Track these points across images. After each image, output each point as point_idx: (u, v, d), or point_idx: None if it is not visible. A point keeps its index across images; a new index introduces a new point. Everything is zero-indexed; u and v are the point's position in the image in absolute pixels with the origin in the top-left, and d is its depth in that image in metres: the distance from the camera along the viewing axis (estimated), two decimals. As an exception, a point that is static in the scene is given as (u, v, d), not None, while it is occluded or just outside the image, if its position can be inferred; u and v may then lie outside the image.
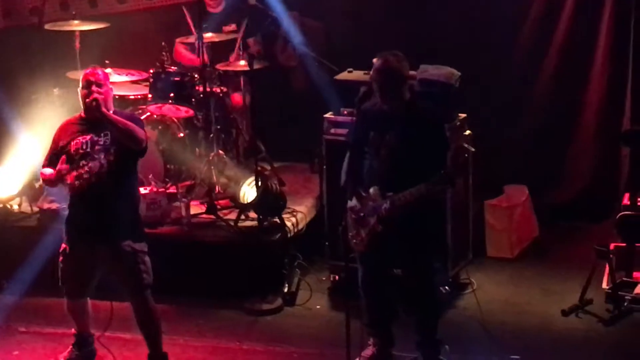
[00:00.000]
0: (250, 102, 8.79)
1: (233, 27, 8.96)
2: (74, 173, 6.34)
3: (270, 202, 7.83)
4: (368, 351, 6.62)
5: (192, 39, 8.58)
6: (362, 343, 6.51)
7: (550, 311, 7.39)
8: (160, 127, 8.40)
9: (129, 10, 9.57)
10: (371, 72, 6.42)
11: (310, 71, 8.85)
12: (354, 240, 6.46)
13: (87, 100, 6.32)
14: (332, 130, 7.68)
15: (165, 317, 6.76)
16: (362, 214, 6.41)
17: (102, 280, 6.55)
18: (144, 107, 8.44)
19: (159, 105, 8.39)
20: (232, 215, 8.03)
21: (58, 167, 6.31)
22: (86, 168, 6.32)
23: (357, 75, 7.70)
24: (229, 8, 9.08)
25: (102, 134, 6.37)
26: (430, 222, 6.43)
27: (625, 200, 7.76)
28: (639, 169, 7.95)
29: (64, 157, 6.33)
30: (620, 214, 7.57)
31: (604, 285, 7.50)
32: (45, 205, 8.07)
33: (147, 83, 8.55)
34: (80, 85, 6.42)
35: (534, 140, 8.95)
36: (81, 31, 8.70)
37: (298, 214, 8.10)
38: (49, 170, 6.40)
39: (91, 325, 6.70)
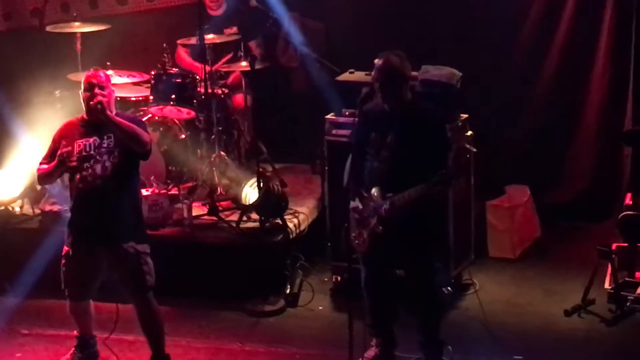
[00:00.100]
0: (252, 104, 8.79)
1: (234, 29, 8.96)
2: (78, 176, 6.34)
3: (272, 204, 7.83)
4: (371, 352, 6.61)
5: (193, 41, 8.58)
6: (364, 344, 6.50)
7: (552, 311, 7.40)
8: (161, 129, 8.40)
9: (130, 11, 9.58)
10: (373, 72, 6.43)
11: (312, 72, 8.86)
12: (356, 241, 6.47)
13: (91, 103, 6.30)
14: (334, 131, 7.68)
15: (168, 318, 6.76)
16: (363, 215, 6.41)
17: (106, 282, 6.55)
18: (146, 108, 8.44)
19: (161, 106, 8.39)
20: (234, 217, 8.03)
21: (60, 151, 6.27)
22: (90, 170, 6.33)
23: (358, 76, 7.70)
24: (229, 10, 9.09)
25: (105, 137, 6.37)
26: (430, 222, 6.43)
27: (627, 200, 7.76)
28: (640, 168, 7.97)
29: (64, 143, 6.33)
30: (622, 214, 7.56)
31: (606, 285, 7.50)
32: (47, 208, 8.08)
33: (149, 85, 8.55)
34: (82, 87, 6.41)
35: (535, 141, 8.95)
36: (82, 33, 8.71)
37: (300, 215, 8.11)
38: (46, 166, 6.40)
39: (94, 327, 6.71)
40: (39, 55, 9.03)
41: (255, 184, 7.86)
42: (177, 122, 8.44)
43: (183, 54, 9.03)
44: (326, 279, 7.92)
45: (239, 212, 8.02)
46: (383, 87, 6.34)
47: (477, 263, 7.98)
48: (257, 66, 8.22)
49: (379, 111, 6.42)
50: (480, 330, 7.10)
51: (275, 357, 6.94)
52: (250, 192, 8.00)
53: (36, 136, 8.08)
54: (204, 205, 8.20)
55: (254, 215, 7.93)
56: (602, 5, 8.58)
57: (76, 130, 6.44)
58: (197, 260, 7.74)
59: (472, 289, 7.67)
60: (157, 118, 8.41)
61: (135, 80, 8.61)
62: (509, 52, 8.90)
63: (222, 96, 8.61)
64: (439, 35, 8.87)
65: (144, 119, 7.77)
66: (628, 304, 7.27)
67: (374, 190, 6.36)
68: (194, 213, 8.03)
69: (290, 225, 7.91)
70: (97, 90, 6.31)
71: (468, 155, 7.58)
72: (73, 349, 6.71)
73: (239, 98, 8.82)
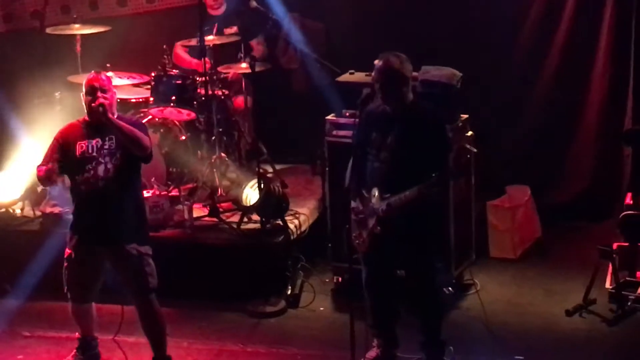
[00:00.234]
0: (252, 105, 8.80)
1: (234, 29, 8.97)
2: (80, 178, 6.34)
3: (272, 205, 7.83)
4: (372, 352, 6.62)
5: (193, 42, 8.58)
6: (366, 344, 6.51)
7: (553, 311, 7.40)
8: (162, 130, 8.40)
9: (130, 13, 9.58)
10: (373, 73, 6.43)
11: (312, 73, 8.87)
12: (357, 241, 6.49)
13: (93, 105, 6.30)
14: (334, 132, 7.67)
15: (169, 319, 6.75)
16: (363, 215, 6.42)
17: (110, 283, 6.55)
18: (146, 110, 8.44)
19: (161, 108, 8.39)
20: (235, 218, 8.03)
21: (48, 165, 6.27)
22: (92, 172, 6.33)
23: (359, 76, 7.70)
24: (230, 10, 9.09)
25: (107, 138, 6.37)
26: (430, 223, 6.43)
27: (628, 200, 7.76)
28: (641, 168, 7.97)
29: (57, 156, 6.32)
30: (623, 213, 7.56)
31: (607, 285, 7.50)
32: (48, 209, 8.07)
33: (149, 86, 8.55)
34: (84, 90, 6.40)
35: (535, 141, 8.95)
36: (82, 35, 8.71)
37: (300, 216, 8.10)
38: (42, 168, 6.38)
39: (96, 329, 6.70)
40: (39, 57, 9.04)
41: (256, 185, 7.86)
42: (177, 123, 8.45)
43: (180, 52, 9.02)
44: (327, 280, 7.92)
45: (240, 213, 8.02)
46: (383, 88, 6.34)
47: (478, 263, 7.99)
48: (258, 68, 8.23)
49: (380, 112, 6.42)
50: (482, 330, 7.10)
51: (277, 358, 6.94)
52: (250, 193, 8.01)
53: (36, 138, 8.07)
54: (204, 206, 8.20)
55: (255, 217, 7.94)
56: (602, 5, 8.58)
57: (78, 132, 6.43)
58: (198, 262, 7.74)
59: (473, 289, 7.67)
60: (157, 119, 8.41)
61: (136, 81, 8.61)
62: (509, 52, 8.91)
63: (223, 97, 8.61)
64: (439, 35, 8.87)
65: (144, 121, 7.78)
66: (629, 303, 7.27)
67: (373, 191, 6.37)
68: (195, 214, 8.03)
69: (291, 226, 7.91)
70: (99, 93, 6.30)
71: (468, 156, 7.59)
72: (75, 350, 6.71)
73: (239, 99, 8.83)
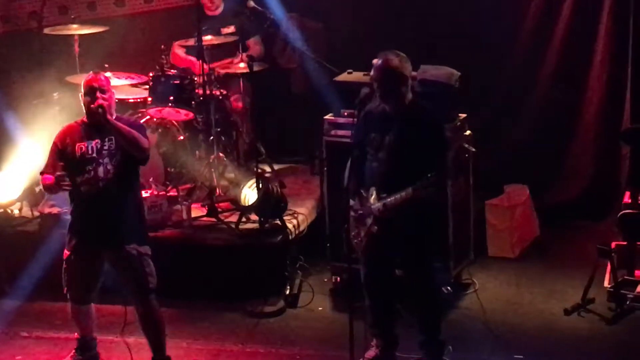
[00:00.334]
0: (250, 105, 8.79)
1: (232, 29, 8.97)
2: (80, 179, 6.33)
3: (271, 204, 7.83)
4: (371, 352, 6.61)
5: (190, 42, 8.58)
6: (365, 344, 6.51)
7: (552, 310, 7.40)
8: (160, 130, 8.40)
9: (128, 13, 9.58)
10: (372, 72, 6.42)
11: (310, 73, 8.86)
12: (355, 240, 6.49)
13: (93, 106, 6.28)
14: (333, 132, 7.67)
15: (168, 320, 6.75)
16: (360, 214, 6.42)
17: (110, 284, 6.54)
18: (144, 110, 8.44)
19: (159, 108, 8.39)
20: (233, 218, 8.03)
21: (57, 174, 6.28)
22: (92, 173, 6.32)
23: (357, 76, 7.69)
24: (227, 10, 9.09)
25: (106, 139, 6.35)
26: (428, 222, 6.42)
27: (626, 199, 7.76)
28: (639, 167, 7.96)
29: (61, 164, 6.31)
30: (622, 212, 7.57)
31: (606, 284, 7.50)
32: (46, 210, 8.07)
33: (147, 86, 8.54)
34: (83, 91, 6.38)
35: (533, 140, 8.95)
36: (80, 35, 8.70)
37: (299, 216, 8.10)
38: (50, 177, 6.38)
39: (95, 330, 6.70)
40: (37, 58, 9.02)
41: (254, 184, 7.86)
42: (175, 123, 8.44)
43: (178, 52, 9.02)
44: (326, 280, 7.92)
45: (238, 213, 8.02)
46: (381, 87, 6.34)
47: (476, 262, 7.98)
48: (256, 68, 8.22)
49: (378, 112, 6.42)
50: (480, 329, 7.10)
51: (276, 358, 6.94)
52: (249, 193, 8.00)
53: (35, 138, 8.07)
54: (203, 206, 8.20)
55: (253, 216, 7.93)
56: (599, 4, 8.58)
57: (77, 134, 6.41)
58: (196, 262, 7.74)
59: (472, 289, 7.68)
60: (155, 120, 8.41)
61: (134, 82, 8.59)
62: (507, 51, 8.91)
63: (221, 97, 8.60)
64: (438, 34, 8.87)
65: (142, 121, 7.78)
66: (628, 302, 7.27)
67: (371, 191, 6.37)
68: (193, 214, 8.03)
69: (290, 226, 7.91)
70: (98, 94, 6.29)
71: (467, 155, 7.59)
72: (73, 351, 6.70)
73: (237, 99, 8.82)
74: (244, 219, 7.95)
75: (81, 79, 6.57)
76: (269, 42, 9.28)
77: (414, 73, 6.86)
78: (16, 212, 8.30)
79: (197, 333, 7.27)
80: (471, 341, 6.88)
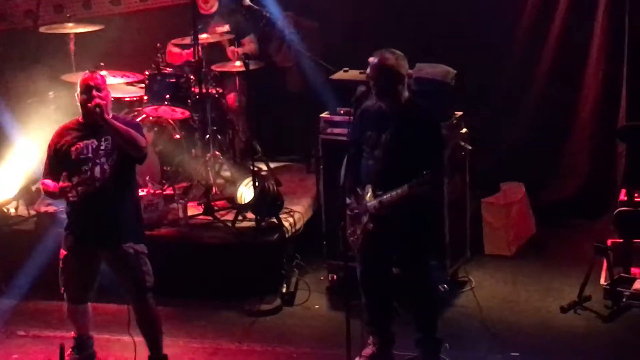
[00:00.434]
0: (246, 103, 8.79)
1: (227, 27, 8.96)
2: (76, 179, 6.30)
3: (267, 203, 7.83)
4: (368, 350, 6.62)
5: (186, 40, 8.57)
6: (362, 342, 6.51)
7: (548, 308, 7.41)
8: (156, 129, 8.39)
9: (124, 12, 9.57)
10: (368, 70, 6.42)
11: (306, 71, 8.86)
12: (351, 238, 6.49)
13: (89, 105, 6.26)
14: (329, 130, 7.67)
15: (164, 318, 6.74)
16: (356, 212, 6.43)
17: (107, 283, 6.54)
18: (140, 109, 8.43)
19: (155, 107, 8.37)
20: (230, 216, 8.03)
21: (60, 184, 6.25)
22: (89, 173, 6.30)
23: (353, 74, 7.70)
24: (222, 9, 9.09)
25: (103, 139, 6.33)
26: (424, 220, 6.42)
27: (622, 196, 7.78)
28: (635, 165, 7.98)
29: (65, 173, 6.27)
30: (618, 209, 7.58)
31: (602, 281, 7.51)
32: (42, 209, 8.06)
33: (143, 85, 8.54)
34: (79, 90, 6.36)
35: (530, 138, 8.96)
36: (76, 34, 8.70)
37: (295, 214, 8.10)
38: (51, 182, 6.35)
39: (91, 329, 6.69)
40: (32, 56, 9.02)
41: (251, 183, 7.86)
42: (171, 122, 8.44)
43: (172, 49, 9.00)
44: (322, 278, 7.92)
45: (235, 211, 8.02)
46: (377, 85, 6.33)
47: (473, 260, 8.00)
48: (252, 66, 8.22)
49: (375, 110, 6.42)
50: (477, 327, 7.11)
51: (273, 356, 6.93)
52: (245, 192, 8.00)
53: (30, 137, 8.07)
54: (199, 205, 8.20)
55: (250, 215, 7.94)
56: (595, 2, 8.58)
57: (73, 134, 6.39)
58: (193, 260, 7.74)
59: (468, 286, 7.68)
60: (151, 118, 8.40)
61: (130, 80, 8.58)
62: (503, 50, 8.90)
63: (217, 96, 8.60)
64: (434, 33, 8.87)
65: (138, 119, 7.77)
66: (624, 299, 7.27)
67: (367, 188, 6.37)
68: (190, 213, 8.03)
69: (286, 224, 7.90)
70: (94, 93, 6.27)
71: (463, 153, 7.60)
72: (70, 350, 6.69)
73: (233, 98, 8.82)
74: (240, 217, 7.95)
75: (77, 78, 6.57)
76: (264, 41, 9.28)
77: (409, 71, 6.86)
78: (12, 211, 8.28)
79: (193, 331, 7.27)
80: (467, 339, 6.89)
